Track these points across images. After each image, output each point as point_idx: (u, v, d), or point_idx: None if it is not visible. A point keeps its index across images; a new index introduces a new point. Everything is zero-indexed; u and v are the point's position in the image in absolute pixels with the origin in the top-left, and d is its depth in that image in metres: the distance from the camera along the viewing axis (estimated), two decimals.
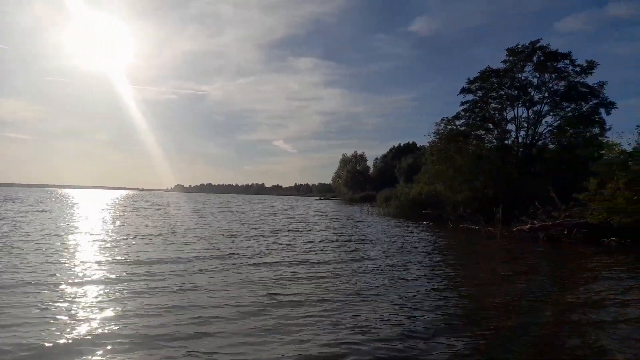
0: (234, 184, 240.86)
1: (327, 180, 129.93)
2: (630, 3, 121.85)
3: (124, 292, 7.43)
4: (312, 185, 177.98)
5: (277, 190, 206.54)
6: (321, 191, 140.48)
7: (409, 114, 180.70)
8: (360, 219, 30.44)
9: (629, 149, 20.06)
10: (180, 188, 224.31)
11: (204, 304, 6.82)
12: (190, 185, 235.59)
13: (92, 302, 6.76)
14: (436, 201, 28.08)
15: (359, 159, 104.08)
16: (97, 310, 6.27)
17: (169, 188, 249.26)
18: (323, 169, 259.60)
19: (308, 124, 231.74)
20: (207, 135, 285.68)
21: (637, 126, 21.63)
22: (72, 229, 17.99)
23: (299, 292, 7.82)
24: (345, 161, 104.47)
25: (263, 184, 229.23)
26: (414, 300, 7.40)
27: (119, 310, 6.32)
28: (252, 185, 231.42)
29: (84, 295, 7.18)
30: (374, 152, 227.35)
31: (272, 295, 7.52)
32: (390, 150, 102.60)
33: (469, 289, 8.95)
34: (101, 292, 7.40)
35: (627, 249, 15.12)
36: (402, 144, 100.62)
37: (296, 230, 20.67)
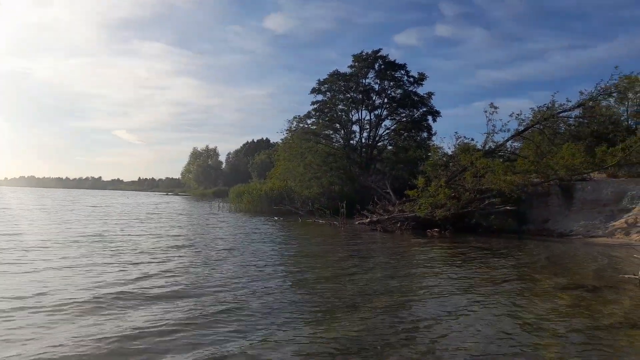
0: (63, 177, 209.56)
1: (176, 175, 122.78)
2: (452, 26, 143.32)
3: None
4: (159, 179, 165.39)
5: (117, 184, 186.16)
6: (169, 186, 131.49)
7: (262, 110, 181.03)
8: (212, 216, 29.34)
9: (449, 152, 23.37)
10: None
11: None
12: (6, 178, 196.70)
13: None
14: (288, 197, 28.73)
15: (211, 153, 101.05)
16: None
17: None
18: (172, 163, 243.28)
19: (156, 114, 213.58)
20: (30, 121, 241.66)
21: (455, 132, 25.43)
22: None
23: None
24: (196, 155, 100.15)
25: (100, 177, 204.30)
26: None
27: None
28: (87, 178, 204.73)
29: None
30: (228, 146, 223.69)
31: None
32: (244, 145, 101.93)
33: (308, 273, 9.55)
34: None
35: (445, 238, 17.49)
36: (255, 140, 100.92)
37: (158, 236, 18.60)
